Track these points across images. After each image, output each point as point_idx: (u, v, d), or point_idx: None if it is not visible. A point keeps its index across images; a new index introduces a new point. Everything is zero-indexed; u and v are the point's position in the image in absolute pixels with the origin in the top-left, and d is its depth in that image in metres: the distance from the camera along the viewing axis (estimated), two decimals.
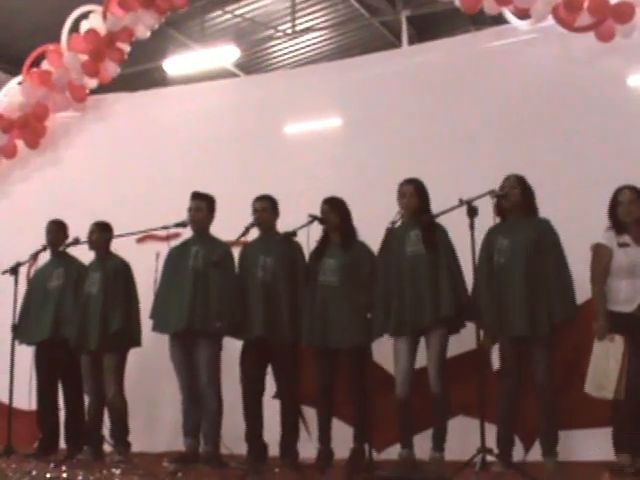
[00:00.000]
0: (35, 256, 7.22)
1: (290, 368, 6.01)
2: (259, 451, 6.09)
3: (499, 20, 7.56)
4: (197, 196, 6.46)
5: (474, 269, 5.34)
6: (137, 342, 6.70)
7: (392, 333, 5.70)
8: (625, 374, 5.03)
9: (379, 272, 5.78)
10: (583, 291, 5.43)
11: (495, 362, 5.78)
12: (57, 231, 7.14)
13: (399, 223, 5.70)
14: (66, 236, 7.12)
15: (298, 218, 5.97)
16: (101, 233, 6.84)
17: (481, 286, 5.47)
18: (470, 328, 5.53)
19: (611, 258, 5.27)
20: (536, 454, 5.55)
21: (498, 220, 5.63)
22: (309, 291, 6.00)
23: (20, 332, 7.03)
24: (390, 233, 5.70)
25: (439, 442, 5.57)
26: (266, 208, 6.30)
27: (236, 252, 6.41)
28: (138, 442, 6.76)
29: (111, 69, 8.80)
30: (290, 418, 6.07)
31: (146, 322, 6.57)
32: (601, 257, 5.30)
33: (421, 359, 5.73)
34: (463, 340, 5.72)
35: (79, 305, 6.74)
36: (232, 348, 6.29)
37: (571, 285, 5.42)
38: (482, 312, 5.41)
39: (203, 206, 6.44)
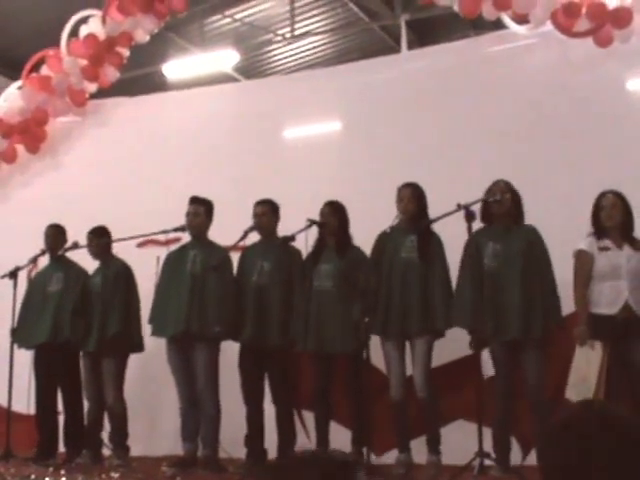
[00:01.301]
0: (34, 260, 7.23)
1: (283, 372, 6.03)
2: (258, 455, 6.10)
3: (499, 25, 7.55)
4: (195, 201, 6.47)
5: (460, 272, 5.40)
6: (139, 347, 6.71)
7: (377, 333, 5.72)
8: (604, 380, 5.04)
9: (371, 275, 5.80)
10: (572, 299, 5.42)
11: (486, 367, 5.77)
12: (56, 235, 7.14)
13: (395, 224, 5.73)
14: (65, 240, 7.12)
15: (297, 223, 5.99)
16: (98, 240, 6.85)
17: (466, 290, 5.48)
18: (466, 333, 5.54)
19: (593, 263, 5.28)
20: (534, 458, 5.55)
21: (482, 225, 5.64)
22: (304, 296, 6.01)
23: (19, 336, 7.03)
24: (383, 238, 5.73)
25: (434, 445, 5.61)
26: (266, 212, 6.32)
27: (235, 257, 6.43)
28: (138, 446, 6.78)
29: (110, 74, 8.80)
30: (285, 422, 6.10)
31: (146, 327, 6.59)
32: (583, 263, 5.32)
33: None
34: (460, 345, 5.72)
35: (80, 308, 6.76)
36: (231, 352, 6.31)
37: (557, 293, 5.42)
38: (469, 316, 5.42)
39: (201, 211, 6.45)
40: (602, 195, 5.38)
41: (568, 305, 5.44)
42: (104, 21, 8.54)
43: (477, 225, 5.52)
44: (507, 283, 5.46)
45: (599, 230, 5.35)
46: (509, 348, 5.45)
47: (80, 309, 6.78)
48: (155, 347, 6.62)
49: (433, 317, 5.60)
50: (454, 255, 5.72)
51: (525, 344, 5.40)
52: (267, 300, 6.13)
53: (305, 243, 6.00)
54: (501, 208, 5.54)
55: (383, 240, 5.85)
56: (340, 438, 6.00)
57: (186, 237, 6.63)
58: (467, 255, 5.51)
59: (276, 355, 5.99)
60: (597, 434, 1.68)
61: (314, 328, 5.92)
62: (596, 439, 1.67)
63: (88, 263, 6.99)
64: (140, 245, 7.31)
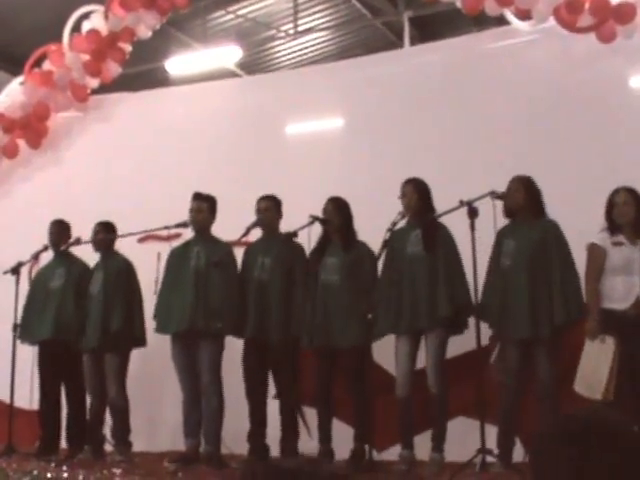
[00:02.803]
0: (36, 256, 7.22)
1: (287, 368, 6.02)
2: (260, 451, 6.10)
3: (501, 21, 7.55)
4: (198, 197, 6.46)
5: (486, 270, 5.41)
6: (142, 342, 6.71)
7: (390, 331, 5.72)
8: (615, 375, 5.02)
9: (381, 272, 5.80)
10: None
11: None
12: (60, 231, 7.14)
13: (402, 224, 5.73)
14: (69, 236, 7.11)
15: (299, 218, 5.98)
16: (106, 234, 6.86)
17: (491, 287, 5.50)
18: (470, 328, 5.54)
19: (605, 258, 5.28)
20: None
21: (507, 221, 5.63)
22: (310, 290, 6.01)
23: (22, 332, 7.03)
24: (391, 233, 5.71)
25: (439, 442, 5.58)
26: (269, 208, 6.32)
27: (238, 252, 6.43)
28: (139, 442, 6.78)
29: (113, 69, 8.80)
30: (288, 418, 6.09)
31: (149, 322, 6.59)
32: (595, 257, 5.31)
33: (422, 359, 5.74)
34: (463, 341, 5.73)
35: (81, 304, 6.77)
36: (234, 347, 6.30)
37: (578, 286, 5.40)
38: (491, 312, 5.45)
39: (204, 207, 6.45)
40: (615, 192, 5.36)
41: None
42: (106, 16, 8.55)
43: (483, 222, 5.49)
44: (516, 280, 5.46)
45: (612, 226, 5.34)
46: (520, 344, 5.44)
47: (81, 306, 6.78)
48: (157, 343, 6.62)
49: (438, 305, 5.58)
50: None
51: (536, 343, 5.39)
52: (268, 296, 6.13)
53: (308, 239, 5.99)
54: (511, 204, 5.55)
55: (391, 236, 5.83)
56: (342, 434, 5.99)
57: (187, 233, 6.62)
58: (492, 252, 5.53)
59: (280, 350, 5.98)
60: (597, 450, 1.57)
61: (321, 322, 5.92)
62: (595, 456, 1.57)
63: (90, 258, 6.98)
64: (141, 240, 7.30)
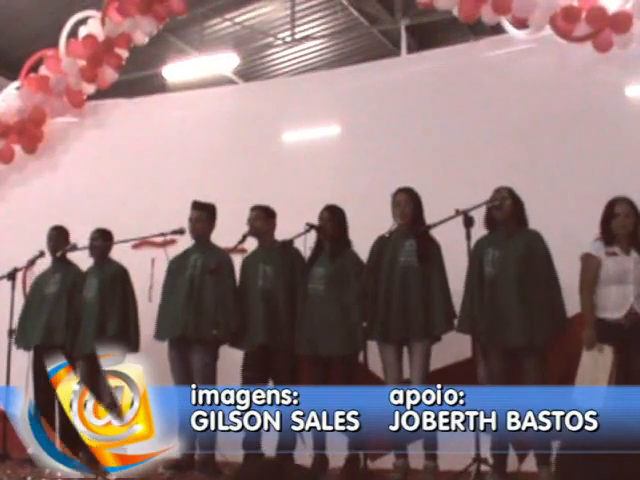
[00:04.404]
0: (32, 262, 7.21)
1: (287, 375, 6.00)
2: (255, 458, 6.07)
3: (498, 30, 7.57)
4: (197, 206, 6.43)
5: (467, 280, 5.39)
6: (135, 347, 6.69)
7: (377, 339, 5.70)
8: (614, 384, 5.01)
9: (368, 279, 5.78)
10: (576, 302, 5.41)
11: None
12: (58, 237, 7.13)
13: (393, 229, 5.71)
14: (67, 242, 7.09)
15: (295, 226, 5.96)
16: (103, 240, 6.85)
17: (473, 297, 5.47)
18: (465, 337, 5.52)
19: (600, 267, 5.26)
20: (531, 464, 5.53)
21: (486, 231, 5.62)
22: (301, 299, 6.00)
23: (17, 337, 7.01)
24: (381, 242, 5.71)
25: (431, 451, 5.57)
26: (258, 217, 6.29)
27: (234, 259, 6.41)
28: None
29: (109, 75, 8.81)
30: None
31: (144, 328, 6.58)
32: (590, 267, 5.29)
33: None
34: (457, 350, 5.72)
35: (75, 310, 6.75)
36: (229, 355, 6.28)
37: (562, 298, 5.40)
38: (468, 322, 5.41)
39: (203, 216, 6.42)
40: (615, 202, 5.32)
41: (571, 308, 5.42)
42: (103, 22, 8.56)
43: (480, 231, 5.49)
44: (505, 289, 5.43)
45: (609, 236, 5.33)
46: (508, 355, 5.42)
47: (73, 312, 6.77)
48: (150, 347, 6.59)
49: (432, 321, 5.57)
50: (452, 260, 5.70)
51: (525, 353, 5.37)
52: (275, 304, 6.11)
53: (304, 247, 5.98)
54: (502, 214, 5.52)
55: (381, 244, 5.82)
56: (336, 442, 5.97)
57: (182, 239, 6.59)
58: (470, 262, 5.50)
59: (283, 357, 5.97)
60: None
61: (307, 331, 5.92)
62: None
63: (85, 264, 6.96)
64: (135, 246, 7.29)
